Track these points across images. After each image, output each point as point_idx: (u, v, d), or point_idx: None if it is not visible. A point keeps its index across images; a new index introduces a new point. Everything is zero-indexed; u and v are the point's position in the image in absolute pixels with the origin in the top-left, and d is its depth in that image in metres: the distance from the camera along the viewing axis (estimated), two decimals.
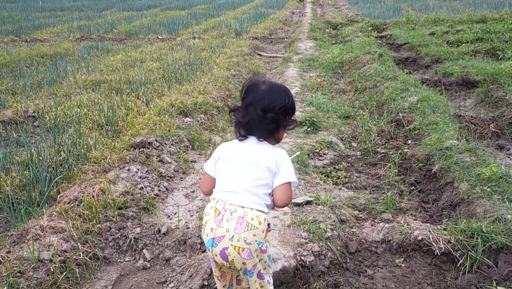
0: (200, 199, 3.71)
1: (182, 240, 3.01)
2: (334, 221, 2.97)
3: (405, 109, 5.16)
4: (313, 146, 4.42)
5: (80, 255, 2.76)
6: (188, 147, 4.66)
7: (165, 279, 2.74)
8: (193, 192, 3.86)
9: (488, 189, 3.19)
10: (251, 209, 1.86)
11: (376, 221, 3.15)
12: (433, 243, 2.72)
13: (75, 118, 5.09)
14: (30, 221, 3.07)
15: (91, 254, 2.83)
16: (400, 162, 4.17)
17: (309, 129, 4.83)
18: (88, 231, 2.98)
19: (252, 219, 1.85)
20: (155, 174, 3.88)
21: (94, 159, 3.90)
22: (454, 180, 3.51)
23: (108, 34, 13.04)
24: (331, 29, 12.79)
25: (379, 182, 3.88)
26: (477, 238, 2.66)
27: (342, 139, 4.79)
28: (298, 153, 3.52)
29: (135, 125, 4.67)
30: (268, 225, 1.90)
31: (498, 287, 2.41)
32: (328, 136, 4.68)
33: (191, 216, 3.45)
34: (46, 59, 9.30)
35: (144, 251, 2.98)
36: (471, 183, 3.35)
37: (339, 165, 4.21)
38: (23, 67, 8.35)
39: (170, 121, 4.86)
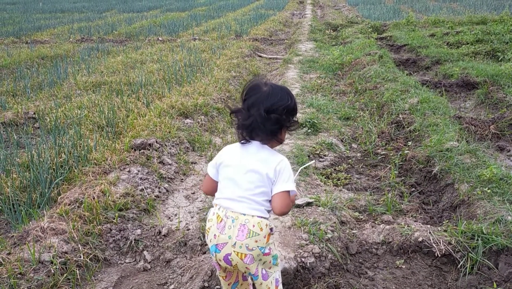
0: (201, 201, 3.71)
1: (182, 241, 3.01)
2: (335, 222, 2.97)
3: (405, 110, 5.16)
4: (314, 147, 4.42)
5: (80, 257, 2.77)
6: (189, 148, 4.66)
7: (165, 280, 2.74)
8: (193, 193, 3.86)
9: (489, 191, 3.19)
10: (252, 216, 1.86)
11: (376, 222, 3.15)
12: (434, 245, 2.72)
13: (75, 120, 5.09)
14: (30, 222, 3.07)
15: (91, 255, 2.83)
16: (401, 163, 4.17)
17: (309, 130, 4.83)
18: (88, 232, 2.98)
19: (254, 226, 1.85)
20: (155, 176, 3.88)
21: (95, 161, 3.90)
22: (454, 181, 3.51)
23: (109, 35, 13.04)
24: (331, 31, 12.80)
25: (380, 183, 3.88)
26: (477, 240, 2.66)
27: (342, 141, 4.79)
28: (313, 161, 3.50)
29: (136, 127, 4.67)
30: (271, 229, 1.91)
31: None
32: (329, 138, 4.68)
33: (192, 217, 3.45)
34: (46, 61, 9.31)
35: (145, 252, 2.98)
36: (471, 184, 3.36)
37: (339, 166, 4.21)
38: (24, 69, 8.35)
39: (171, 122, 4.86)
